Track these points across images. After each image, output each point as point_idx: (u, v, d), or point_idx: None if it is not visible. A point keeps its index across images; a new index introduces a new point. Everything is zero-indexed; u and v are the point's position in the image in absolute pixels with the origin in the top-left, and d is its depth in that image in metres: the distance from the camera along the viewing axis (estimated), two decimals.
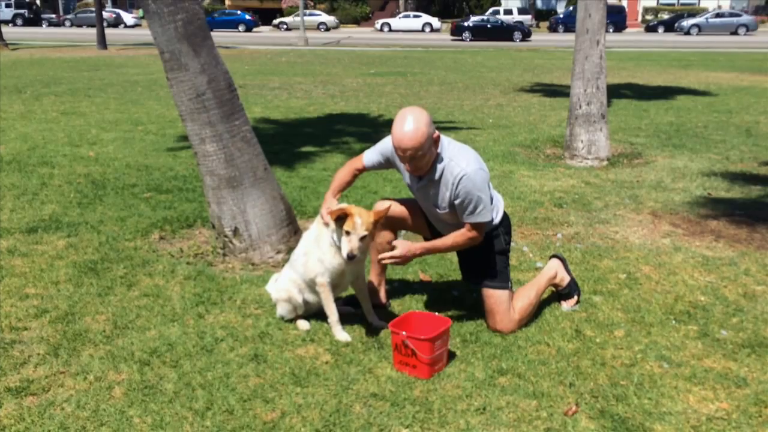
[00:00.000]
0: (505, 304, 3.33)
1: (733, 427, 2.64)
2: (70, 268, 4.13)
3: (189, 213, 5.15)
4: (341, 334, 3.31)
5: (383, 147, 3.37)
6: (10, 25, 44.50)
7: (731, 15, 41.95)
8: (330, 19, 48.19)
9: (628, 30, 43.70)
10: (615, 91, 12.64)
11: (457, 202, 3.13)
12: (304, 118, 10.04)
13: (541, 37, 39.49)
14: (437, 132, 3.11)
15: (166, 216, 5.08)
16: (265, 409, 2.73)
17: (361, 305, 3.47)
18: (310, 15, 45.66)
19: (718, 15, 41.66)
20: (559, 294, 3.67)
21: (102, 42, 24.87)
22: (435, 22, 46.44)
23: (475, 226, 3.19)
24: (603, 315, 3.57)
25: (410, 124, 3.00)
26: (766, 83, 14.86)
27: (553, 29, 44.33)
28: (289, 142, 8.02)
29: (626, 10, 44.75)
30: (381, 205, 3.41)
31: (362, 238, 3.09)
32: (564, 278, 3.64)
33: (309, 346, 3.24)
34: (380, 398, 2.80)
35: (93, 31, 27.62)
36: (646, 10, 51.56)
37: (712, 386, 2.92)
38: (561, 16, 45.39)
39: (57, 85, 13.70)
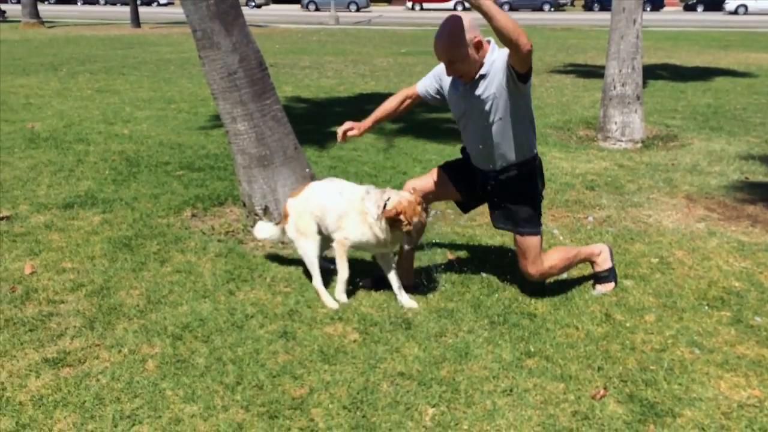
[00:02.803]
0: (537, 248, 3.35)
1: (765, 414, 2.61)
2: (105, 243, 4.22)
3: (220, 191, 5.21)
4: (342, 295, 3.49)
5: (435, 69, 3.37)
6: (45, 2, 45.03)
7: None
8: None
9: (665, 9, 42.62)
10: (651, 72, 12.36)
11: (508, 70, 2.96)
12: (334, 98, 10.03)
13: (576, 15, 38.73)
14: (479, 36, 3.03)
15: (198, 194, 5.15)
16: (294, 385, 2.77)
17: (392, 280, 3.53)
18: None
19: None
20: (596, 276, 3.64)
21: (136, 20, 25.09)
22: None
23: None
24: (634, 299, 3.54)
25: (443, 30, 3.03)
26: None
27: (588, 8, 43.46)
28: (319, 122, 8.03)
29: None
30: (411, 187, 3.44)
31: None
32: (606, 261, 3.61)
33: (337, 324, 3.27)
34: (407, 377, 2.82)
35: (127, 9, 27.85)
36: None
37: (745, 373, 2.88)
38: None
39: (92, 63, 13.89)
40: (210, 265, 3.91)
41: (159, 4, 47.37)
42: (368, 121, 3.59)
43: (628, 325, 3.28)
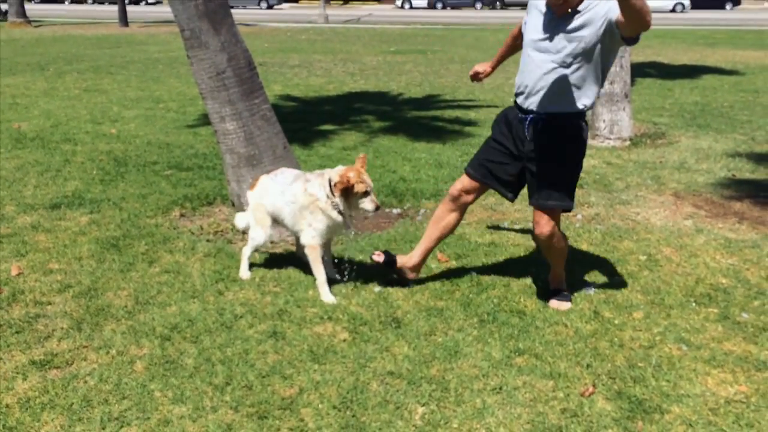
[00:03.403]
0: (558, 217, 3.30)
1: (752, 410, 2.63)
2: (93, 244, 4.19)
3: (209, 191, 5.19)
4: (328, 296, 3.48)
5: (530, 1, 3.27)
6: (32, 1, 44.60)
7: None
8: None
9: (653, 6, 42.69)
10: (639, 70, 12.42)
11: (611, 23, 2.90)
12: (323, 96, 10.02)
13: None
14: None
15: (187, 193, 5.13)
16: (284, 385, 2.76)
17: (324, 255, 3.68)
18: None
19: None
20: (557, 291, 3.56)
21: (123, 19, 24.92)
22: None
23: None
24: (622, 296, 3.55)
25: None
26: None
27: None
28: (308, 121, 8.01)
29: None
30: (458, 190, 3.47)
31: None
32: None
33: (327, 323, 3.26)
34: (397, 376, 2.82)
35: (114, 8, 27.68)
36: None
37: (732, 369, 2.90)
38: None
39: (79, 62, 13.79)
40: (199, 265, 3.90)
41: (147, 3, 47.09)
42: (493, 61, 3.60)
43: (616, 322, 3.30)
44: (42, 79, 11.36)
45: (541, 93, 3.11)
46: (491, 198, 5.15)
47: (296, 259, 3.94)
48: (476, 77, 3.62)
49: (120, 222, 4.57)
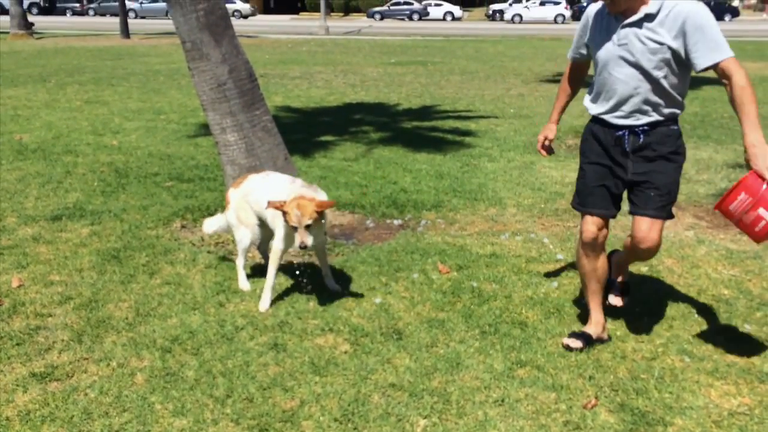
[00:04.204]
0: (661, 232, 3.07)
1: (756, 422, 2.61)
2: (94, 255, 4.19)
3: (210, 202, 5.19)
4: (265, 302, 3.52)
5: (577, 28, 3.17)
6: (32, 13, 44.80)
7: None
8: (245, 7, 47.22)
9: None
10: None
11: (689, 39, 2.76)
12: (324, 108, 10.04)
13: (564, 26, 39.06)
14: None
15: (188, 205, 5.13)
16: (285, 398, 2.75)
17: (321, 268, 3.74)
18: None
19: None
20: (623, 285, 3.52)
21: (125, 31, 25.06)
22: (456, 10, 46.24)
23: (728, 65, 2.73)
24: (624, 308, 3.54)
25: None
26: None
27: (576, 18, 43.79)
28: (309, 132, 8.03)
29: None
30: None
31: (308, 227, 3.24)
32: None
33: (328, 335, 3.25)
34: (398, 388, 2.81)
35: (116, 20, 27.83)
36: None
37: (735, 381, 2.88)
38: (584, 4, 44.77)
39: (81, 74, 13.84)
40: (200, 277, 3.89)
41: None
42: (555, 116, 3.49)
43: (618, 333, 3.29)
44: (43, 90, 11.40)
45: (631, 105, 2.97)
46: (492, 209, 5.15)
47: (295, 270, 3.94)
48: (548, 150, 3.49)
49: (121, 233, 4.56)
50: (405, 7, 47.04)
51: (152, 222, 4.79)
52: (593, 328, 3.22)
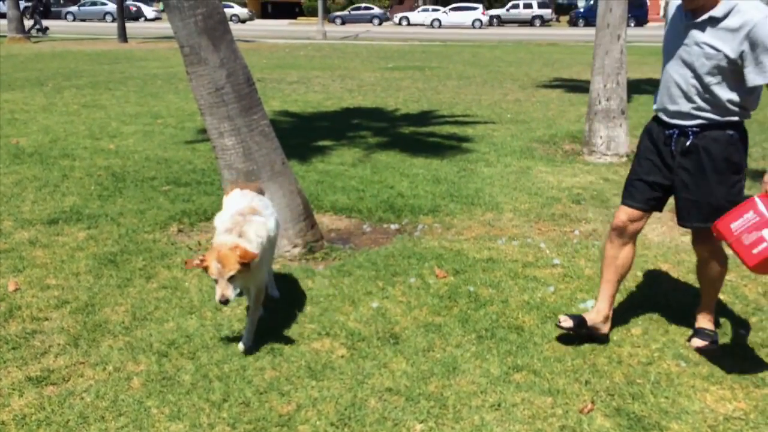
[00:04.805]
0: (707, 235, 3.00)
1: (751, 427, 2.62)
2: (90, 259, 4.18)
3: (207, 206, 5.19)
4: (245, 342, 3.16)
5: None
6: (27, 18, 44.52)
7: None
8: (243, 11, 47.84)
9: (649, 24, 43.18)
10: (636, 87, 12.48)
11: (748, 51, 2.69)
12: (321, 112, 10.06)
13: (561, 31, 39.17)
14: None
15: (185, 209, 5.13)
16: (281, 402, 2.75)
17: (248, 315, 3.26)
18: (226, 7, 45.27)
19: None
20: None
21: (123, 35, 25.05)
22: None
23: None
24: (620, 312, 3.55)
25: None
26: None
27: (573, 23, 44.01)
28: (306, 137, 8.04)
29: (648, 4, 44.20)
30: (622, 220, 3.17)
31: (231, 278, 2.83)
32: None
33: (325, 339, 3.26)
34: (395, 393, 2.81)
35: (113, 24, 27.85)
36: (668, 4, 50.89)
37: (730, 386, 2.89)
38: (581, 10, 45.11)
39: (78, 78, 13.84)
40: (196, 281, 3.89)
41: (146, 19, 47.32)
42: None
43: (614, 338, 3.29)
44: (41, 94, 11.39)
45: (684, 102, 2.93)
46: (489, 214, 5.16)
47: (293, 277, 3.94)
48: None
49: (118, 237, 4.56)
50: (365, 12, 47.78)
51: (149, 226, 4.79)
52: (592, 314, 3.24)
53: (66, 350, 3.13)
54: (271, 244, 3.26)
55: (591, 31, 8.90)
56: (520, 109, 10.46)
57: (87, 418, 2.64)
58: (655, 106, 3.12)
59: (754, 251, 2.64)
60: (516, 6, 44.92)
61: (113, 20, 42.43)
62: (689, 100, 2.90)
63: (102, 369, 2.98)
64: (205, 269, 2.86)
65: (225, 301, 2.84)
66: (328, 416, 2.66)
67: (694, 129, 2.93)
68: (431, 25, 43.63)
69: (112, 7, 44.08)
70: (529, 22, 44.00)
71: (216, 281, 2.84)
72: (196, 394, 2.80)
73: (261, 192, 3.54)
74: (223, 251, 2.85)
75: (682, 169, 2.99)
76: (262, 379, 2.91)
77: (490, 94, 12.19)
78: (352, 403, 2.74)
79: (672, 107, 2.98)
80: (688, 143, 2.95)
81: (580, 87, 12.89)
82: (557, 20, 47.28)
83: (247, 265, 2.86)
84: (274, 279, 3.74)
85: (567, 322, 3.17)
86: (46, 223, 4.83)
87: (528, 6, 44.54)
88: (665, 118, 3.03)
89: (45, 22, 30.36)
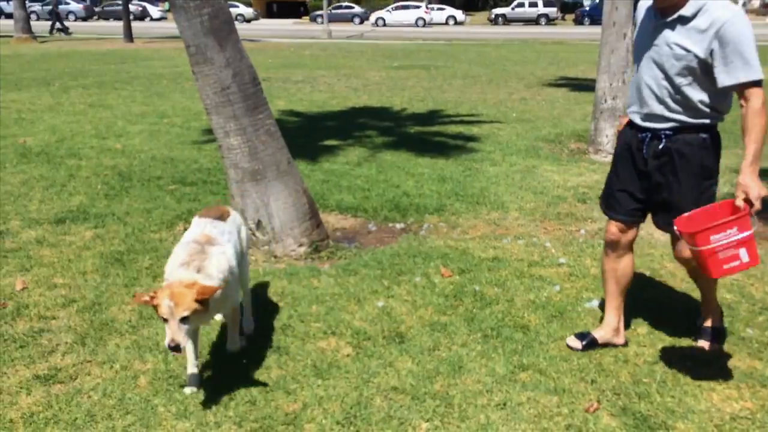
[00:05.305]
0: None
1: (758, 426, 2.61)
2: (97, 258, 4.20)
3: (213, 205, 5.20)
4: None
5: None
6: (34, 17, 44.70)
7: None
8: (248, 11, 47.99)
9: None
10: None
11: (717, 50, 2.64)
12: (327, 112, 10.06)
13: (567, 29, 39.08)
14: None
15: (191, 208, 5.14)
16: (287, 401, 2.76)
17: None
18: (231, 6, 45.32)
19: None
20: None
21: (128, 35, 25.12)
22: (459, 14, 46.40)
23: (751, 90, 2.65)
24: (626, 312, 3.54)
25: None
26: None
27: (578, 22, 43.89)
28: (311, 136, 8.05)
29: None
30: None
31: (184, 319, 2.48)
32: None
33: (330, 338, 3.26)
34: (401, 392, 2.82)
35: (119, 24, 27.93)
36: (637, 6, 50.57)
37: (737, 385, 2.89)
38: (587, 8, 44.96)
39: (84, 77, 13.89)
40: None
41: (152, 19, 47.43)
42: None
43: None
44: (47, 94, 11.44)
45: (655, 104, 2.87)
46: (494, 213, 5.16)
47: (298, 276, 3.95)
48: None
49: (124, 236, 4.58)
50: (347, 11, 47.84)
51: (155, 225, 4.80)
52: (602, 331, 3.21)
53: (73, 349, 3.15)
54: (234, 275, 2.89)
55: (597, 29, 8.88)
56: (525, 108, 10.44)
57: (94, 416, 2.65)
58: (628, 109, 3.05)
59: (726, 266, 2.58)
60: (521, 4, 44.80)
61: (76, 19, 42.81)
62: (660, 101, 2.85)
63: (109, 367, 3.00)
64: (155, 307, 2.49)
65: (176, 348, 2.44)
66: (334, 415, 2.66)
67: (667, 132, 2.87)
68: (375, 24, 43.80)
69: (75, 6, 44.59)
70: (534, 21, 43.97)
71: (166, 321, 2.47)
72: (202, 392, 2.81)
73: (223, 216, 3.12)
74: (176, 289, 2.50)
75: (655, 171, 2.94)
76: (268, 378, 2.92)
77: (496, 93, 12.18)
78: (358, 401, 2.75)
79: (644, 109, 2.92)
80: (660, 146, 2.88)
81: (585, 86, 12.86)
82: (563, 19, 47.13)
83: (205, 302, 2.53)
84: (251, 308, 3.35)
85: (575, 344, 3.17)
86: (53, 222, 4.86)
87: (533, 4, 44.44)
88: (638, 121, 2.97)
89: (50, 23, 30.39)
